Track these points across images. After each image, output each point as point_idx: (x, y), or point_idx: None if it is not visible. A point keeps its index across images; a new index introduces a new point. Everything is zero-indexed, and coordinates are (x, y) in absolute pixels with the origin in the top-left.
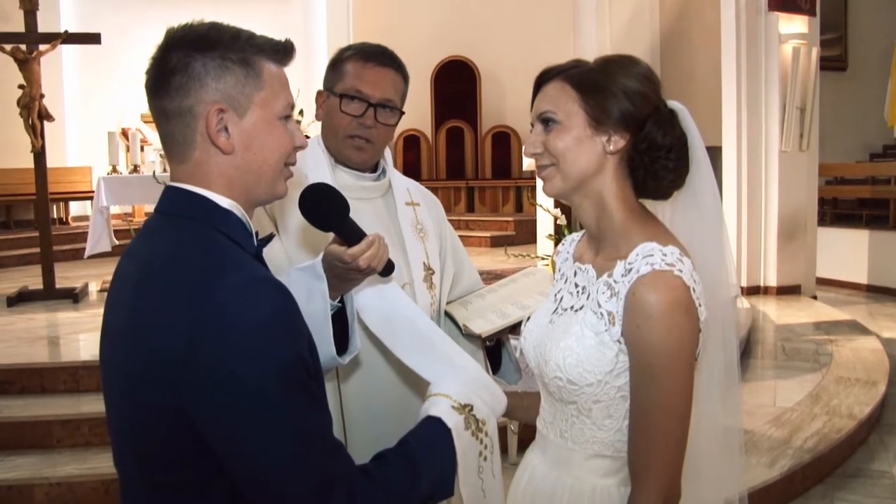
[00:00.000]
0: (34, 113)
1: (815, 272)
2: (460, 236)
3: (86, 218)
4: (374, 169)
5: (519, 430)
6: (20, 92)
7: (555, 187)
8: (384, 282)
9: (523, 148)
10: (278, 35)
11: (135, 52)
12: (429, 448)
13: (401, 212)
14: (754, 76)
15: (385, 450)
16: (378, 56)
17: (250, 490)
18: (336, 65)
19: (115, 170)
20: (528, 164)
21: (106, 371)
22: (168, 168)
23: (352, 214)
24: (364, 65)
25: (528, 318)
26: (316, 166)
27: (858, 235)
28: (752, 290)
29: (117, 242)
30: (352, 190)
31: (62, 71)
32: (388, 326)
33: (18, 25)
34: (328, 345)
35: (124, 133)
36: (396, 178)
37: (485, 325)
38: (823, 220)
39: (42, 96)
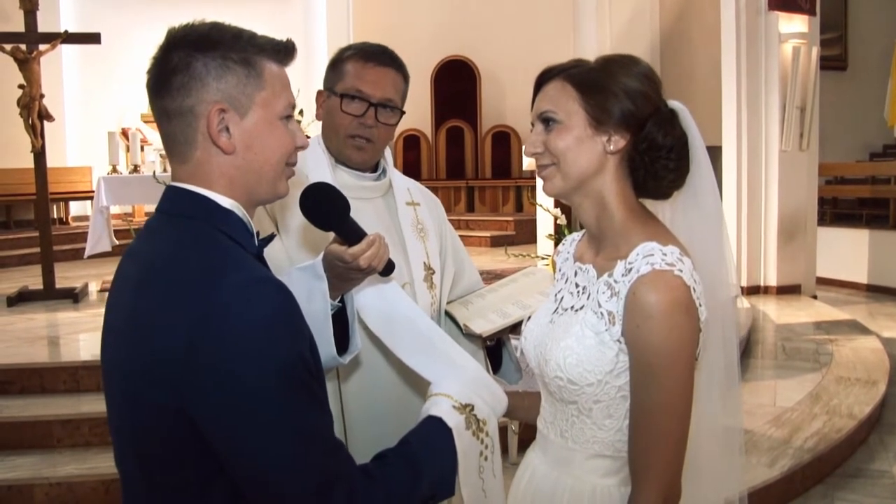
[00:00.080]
0: (34, 113)
1: (815, 272)
2: (460, 236)
3: (86, 218)
4: (374, 169)
5: (519, 430)
6: (20, 92)
7: (555, 187)
8: (384, 281)
9: (523, 147)
10: (278, 35)
11: (135, 52)
12: (430, 448)
13: (401, 211)
14: (754, 76)
15: (386, 450)
16: (378, 56)
17: (250, 490)
18: (336, 65)
19: (115, 170)
20: (528, 163)
21: (107, 371)
22: (168, 168)
23: (352, 214)
24: (364, 64)
25: (529, 317)
26: (316, 166)
27: (858, 235)
28: (753, 290)
29: (117, 242)
30: (352, 190)
31: (62, 71)
32: (389, 326)
33: (18, 25)
34: (329, 344)
35: (124, 133)
36: (397, 177)
37: (485, 325)
38: (823, 220)
39: (42, 96)
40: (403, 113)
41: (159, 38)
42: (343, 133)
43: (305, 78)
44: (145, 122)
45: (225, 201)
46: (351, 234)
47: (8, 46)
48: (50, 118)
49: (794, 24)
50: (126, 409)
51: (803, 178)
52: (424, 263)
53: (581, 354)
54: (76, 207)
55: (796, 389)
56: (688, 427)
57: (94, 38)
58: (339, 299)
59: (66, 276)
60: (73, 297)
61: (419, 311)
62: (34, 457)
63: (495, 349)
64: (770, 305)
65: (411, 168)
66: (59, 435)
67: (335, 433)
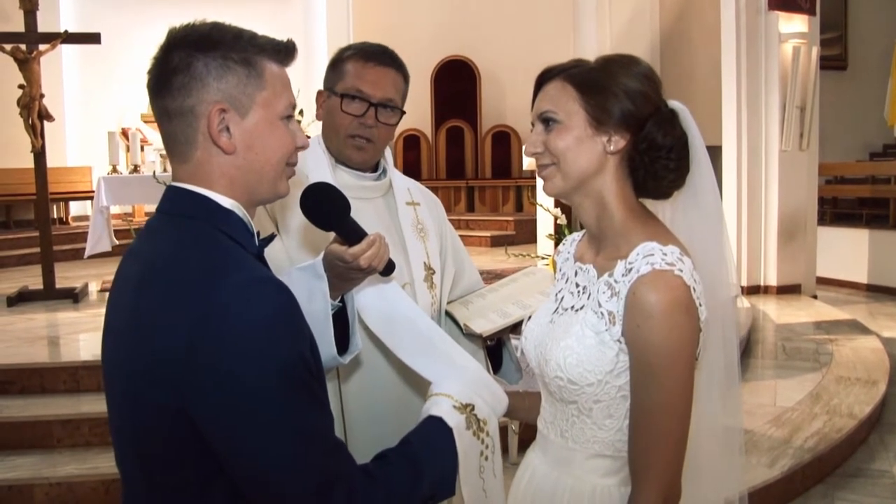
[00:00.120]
0: (34, 113)
1: (815, 271)
2: (460, 236)
3: (86, 218)
4: (374, 169)
5: (520, 430)
6: (20, 92)
7: (555, 187)
8: (385, 281)
9: (523, 147)
10: (279, 35)
11: (135, 52)
12: (430, 448)
13: (401, 211)
14: (754, 76)
15: (386, 449)
16: (378, 56)
17: (250, 490)
18: (336, 64)
19: (115, 170)
20: (528, 163)
21: (108, 371)
22: (168, 168)
23: (352, 214)
24: (365, 64)
25: (529, 317)
26: (316, 166)
27: (858, 235)
28: (753, 290)
29: (117, 242)
30: (352, 190)
31: (62, 71)
32: (389, 326)
33: (18, 25)
34: (329, 345)
35: (124, 133)
36: (397, 177)
37: (486, 325)
38: (823, 220)
39: (42, 96)
40: (404, 113)
41: (159, 38)
42: (343, 133)
43: (305, 78)
44: (145, 121)
45: (225, 201)
46: (351, 233)
47: (8, 46)
48: (50, 118)
49: (794, 24)
50: (126, 409)
51: (803, 178)
52: (425, 263)
53: (581, 354)
54: (76, 207)
55: (796, 389)
56: (688, 427)
57: (94, 38)
58: (339, 299)
59: (66, 276)
60: (74, 297)
61: (419, 311)
62: (34, 457)
63: (495, 349)
64: (770, 305)
65: (411, 168)
66: (59, 435)
67: (335, 433)
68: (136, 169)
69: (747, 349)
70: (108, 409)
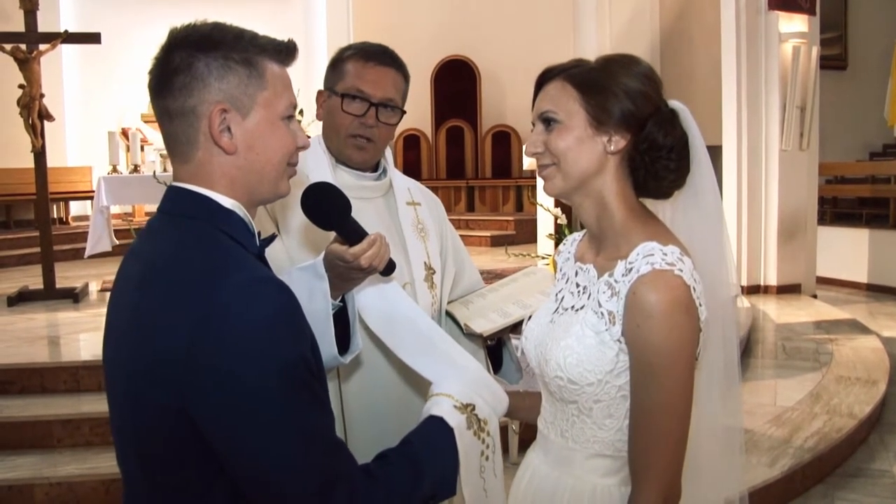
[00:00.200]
0: (34, 113)
1: (815, 271)
2: (460, 236)
3: (86, 218)
4: (374, 168)
5: (520, 430)
6: (20, 92)
7: (556, 187)
8: (385, 281)
9: (524, 147)
10: (278, 35)
11: (135, 52)
12: (431, 448)
13: (402, 211)
14: (754, 75)
15: (387, 449)
16: (379, 55)
17: (251, 490)
18: (337, 64)
19: (115, 169)
20: (528, 163)
21: (109, 371)
22: (168, 167)
23: (353, 214)
24: (365, 64)
25: (530, 317)
26: (317, 166)
27: (858, 234)
28: (753, 290)
29: (117, 242)
30: (353, 189)
31: (62, 71)
32: (390, 326)
33: (18, 25)
34: (330, 344)
35: (124, 133)
36: (397, 177)
37: (486, 325)
38: (823, 219)
39: (42, 96)
40: (404, 113)
41: (159, 38)
42: (344, 133)
43: (305, 78)
44: (145, 121)
45: (226, 201)
46: (352, 233)
47: (8, 46)
48: (50, 118)
49: (794, 24)
50: (127, 409)
51: (803, 178)
52: (425, 263)
53: (581, 354)
54: (76, 207)
55: (796, 389)
56: (688, 427)
57: (94, 38)
58: (339, 299)
59: (66, 275)
60: (74, 296)
61: (420, 310)
62: (34, 457)
63: (496, 349)
64: (770, 305)
65: (411, 168)
66: (60, 435)
67: (336, 433)
68: (136, 169)
69: (747, 349)
70: (110, 408)
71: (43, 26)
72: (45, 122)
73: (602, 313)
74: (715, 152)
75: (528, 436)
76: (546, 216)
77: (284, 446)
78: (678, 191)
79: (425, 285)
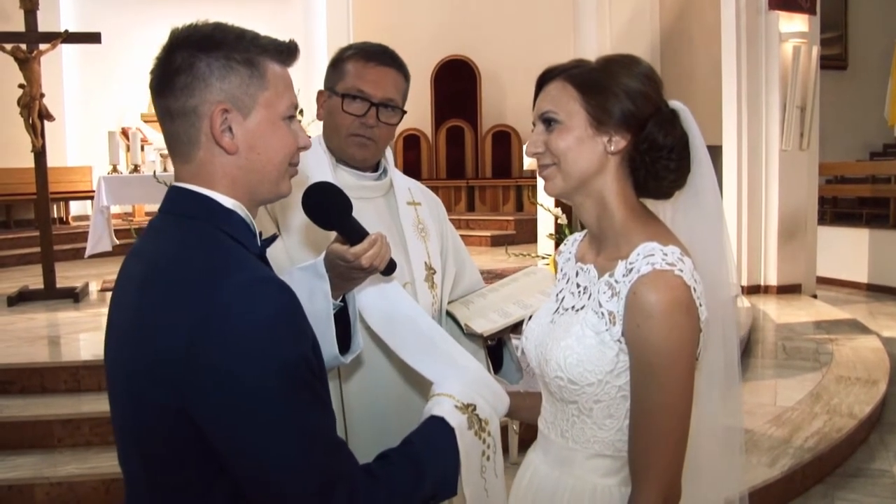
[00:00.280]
0: (34, 112)
1: (815, 271)
2: (461, 236)
3: (86, 217)
4: (375, 168)
5: (520, 430)
6: (20, 91)
7: (556, 187)
8: (386, 281)
9: (524, 147)
10: (278, 35)
11: (135, 52)
12: (432, 448)
13: (402, 211)
14: (755, 75)
15: (388, 449)
16: (379, 55)
17: (252, 490)
18: (337, 64)
19: (115, 169)
20: (528, 163)
21: (110, 370)
22: (168, 167)
23: (354, 214)
24: (365, 64)
25: (530, 317)
26: (317, 166)
27: (859, 234)
28: (753, 290)
29: (118, 242)
30: (353, 189)
31: (62, 70)
32: (390, 326)
33: (19, 25)
34: (331, 344)
35: (124, 132)
36: (398, 177)
37: (486, 325)
38: (824, 219)
39: (42, 96)
40: (405, 112)
41: (159, 38)
42: (344, 132)
43: (306, 78)
44: (145, 121)
45: (227, 201)
46: (353, 233)
47: (8, 46)
48: (50, 118)
49: (795, 24)
50: (129, 409)
51: (803, 178)
52: (425, 263)
53: (581, 354)
54: (76, 207)
55: (796, 389)
56: (688, 427)
57: (94, 38)
58: (340, 299)
59: (66, 275)
60: (74, 296)
61: (421, 310)
62: (35, 456)
63: (496, 349)
64: (770, 305)
65: (411, 168)
66: (60, 434)
67: (337, 433)
68: (136, 169)
69: (747, 349)
70: (111, 408)
71: (43, 26)
72: (46, 122)
73: (602, 313)
74: (715, 152)
75: (528, 436)
76: (546, 216)
77: (285, 446)
78: (678, 191)
79: (426, 285)
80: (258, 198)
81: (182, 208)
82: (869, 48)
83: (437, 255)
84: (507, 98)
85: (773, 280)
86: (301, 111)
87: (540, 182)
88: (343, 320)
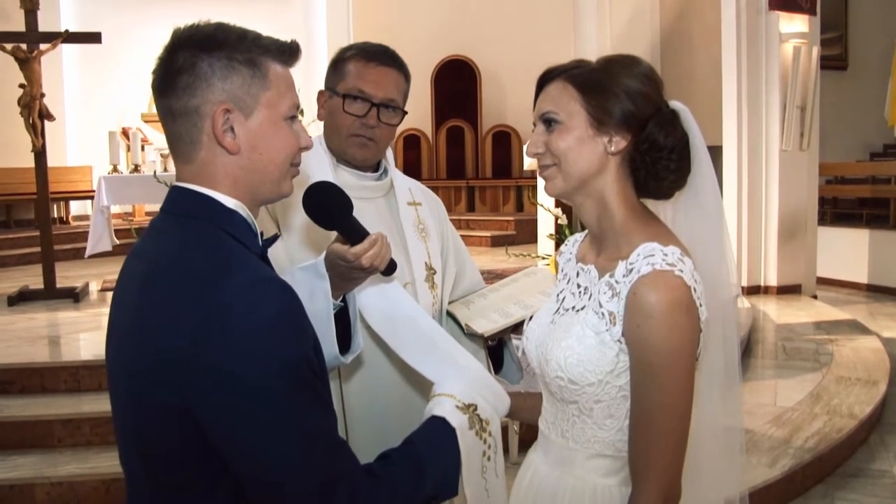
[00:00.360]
0: (35, 112)
1: (815, 272)
2: (461, 236)
3: (86, 217)
4: (375, 168)
5: (521, 431)
6: (21, 91)
7: (556, 187)
8: (386, 281)
9: (524, 147)
10: (279, 35)
11: (135, 52)
12: (433, 448)
13: (402, 211)
14: (755, 75)
15: (389, 449)
16: (380, 56)
17: (253, 489)
18: (338, 64)
19: (115, 169)
20: (528, 163)
21: (111, 370)
22: (169, 167)
23: (354, 214)
24: (366, 65)
25: (531, 317)
26: (318, 166)
27: (859, 235)
28: (753, 290)
29: (118, 242)
30: (354, 189)
31: (63, 70)
32: (391, 326)
33: (19, 25)
34: (331, 344)
35: (125, 132)
36: (398, 177)
37: (487, 325)
38: (824, 220)
39: (43, 95)
40: (406, 113)
41: (160, 38)
42: (345, 133)
43: (306, 78)
44: (146, 121)
45: (229, 201)
46: (353, 233)
47: (9, 46)
48: (50, 117)
49: (795, 24)
50: (130, 409)
51: (804, 178)
52: (426, 263)
53: (582, 354)
54: (77, 207)
55: (797, 389)
56: (688, 427)
57: (94, 38)
58: (340, 299)
59: (66, 275)
60: (74, 296)
61: (421, 310)
62: (35, 456)
63: (497, 349)
64: (770, 305)
65: (411, 168)
66: (60, 434)
67: (338, 433)
68: (136, 168)
69: (747, 349)
70: (112, 408)
71: (43, 26)
72: (46, 122)
73: (603, 314)
74: (715, 152)
75: (528, 436)
76: (546, 216)
77: (286, 446)
78: (679, 191)
79: (426, 285)
80: (260, 198)
81: (184, 208)
82: (869, 48)
83: (438, 255)
84: (507, 98)
85: (773, 280)
86: (301, 111)
87: (540, 182)
88: (343, 320)
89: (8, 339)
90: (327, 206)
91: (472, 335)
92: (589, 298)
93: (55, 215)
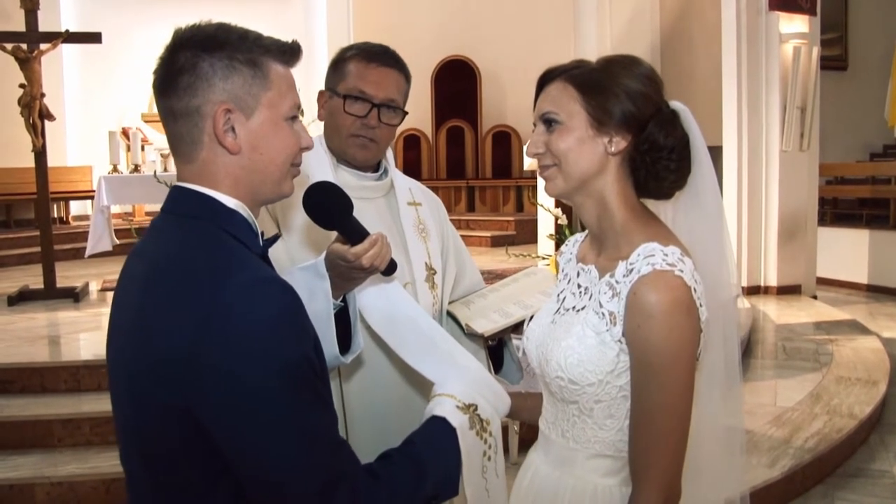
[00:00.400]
0: (35, 112)
1: (815, 272)
2: (461, 236)
3: (86, 217)
4: (375, 169)
5: (521, 431)
6: (21, 91)
7: (557, 187)
8: (386, 281)
9: (524, 147)
10: (278, 35)
11: (135, 52)
12: (434, 448)
13: (403, 211)
14: (755, 76)
15: (390, 449)
16: (381, 56)
17: (254, 489)
18: (338, 65)
19: (115, 169)
20: (528, 163)
21: (112, 370)
22: (169, 167)
23: (354, 214)
24: (367, 65)
25: (531, 317)
26: (318, 166)
27: (859, 235)
28: (753, 290)
29: (118, 242)
30: (354, 190)
31: (63, 70)
32: (391, 326)
33: (19, 24)
34: (331, 344)
35: (125, 132)
36: (398, 177)
37: (487, 325)
38: (824, 220)
39: (43, 95)
40: (406, 113)
41: (160, 38)
42: (346, 133)
43: (306, 78)
44: (146, 121)
45: (230, 201)
46: (353, 233)
47: (9, 46)
48: (51, 117)
49: (795, 25)
50: (131, 409)
51: (804, 179)
52: (426, 263)
53: (582, 354)
54: (77, 207)
55: (797, 389)
56: (688, 427)
57: (95, 38)
58: (341, 299)
59: (66, 275)
60: (74, 296)
61: (421, 310)
62: (35, 456)
63: (497, 349)
64: (770, 305)
65: (411, 168)
66: (60, 434)
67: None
68: (136, 168)
69: (747, 349)
70: (113, 408)
71: (44, 26)
72: (46, 122)
73: (603, 314)
74: (715, 153)
75: (528, 436)
76: (546, 216)
77: (287, 446)
78: (679, 191)
79: (426, 285)
80: (260, 198)
81: (184, 208)
82: (869, 49)
83: (438, 255)
84: (507, 98)
85: (773, 281)
86: (301, 111)
87: (540, 182)
88: (343, 320)
89: (8, 339)
90: (327, 207)
91: (472, 335)
92: (589, 298)
93: (55, 215)
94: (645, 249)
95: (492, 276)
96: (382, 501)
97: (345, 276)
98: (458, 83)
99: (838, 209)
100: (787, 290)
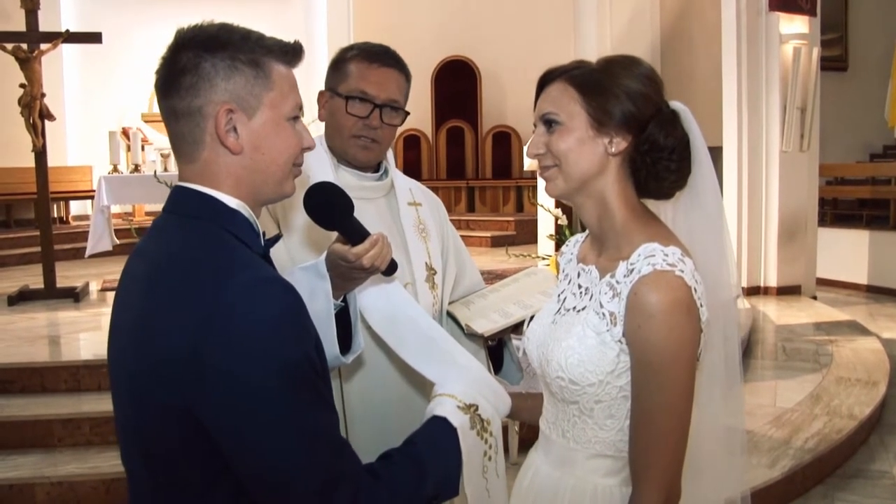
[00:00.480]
0: (35, 112)
1: (815, 272)
2: (461, 236)
3: (86, 217)
4: (376, 169)
5: (521, 431)
6: (21, 91)
7: (557, 188)
8: (387, 281)
9: (524, 148)
10: (279, 35)
11: (136, 52)
12: (434, 448)
13: (403, 212)
14: (755, 76)
15: (391, 449)
16: (382, 56)
17: (255, 489)
18: (339, 65)
19: (115, 169)
20: (528, 163)
21: (113, 370)
22: (169, 167)
23: (355, 214)
24: (368, 65)
25: (531, 317)
26: (319, 166)
27: (858, 236)
28: (753, 291)
29: (118, 242)
30: (354, 190)
31: (63, 70)
32: (392, 326)
33: (20, 24)
34: (332, 344)
35: (125, 132)
36: (399, 178)
37: (487, 325)
38: (824, 221)
39: (43, 95)
40: (408, 113)
41: (160, 38)
42: (347, 134)
43: (306, 78)
44: (146, 121)
45: (231, 201)
46: (354, 233)
47: (9, 45)
48: (51, 117)
49: (795, 25)
50: (132, 409)
51: (804, 179)
52: (426, 263)
53: (582, 354)
54: (77, 207)
55: (796, 390)
56: (688, 427)
57: (95, 38)
58: (341, 299)
59: (66, 275)
60: (74, 296)
61: (422, 310)
62: (35, 456)
63: (497, 349)
64: (770, 306)
65: (411, 168)
66: (60, 434)
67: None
68: (136, 168)
69: (747, 350)
70: (114, 407)
71: (44, 26)
72: (46, 122)
73: (603, 314)
74: (715, 153)
75: (528, 436)
76: (547, 217)
77: (287, 446)
78: (679, 191)
79: (426, 285)
80: (262, 198)
81: (186, 208)
82: (869, 49)
83: (438, 255)
84: (507, 98)
85: (773, 281)
86: (302, 111)
87: (540, 183)
88: (344, 320)
89: (8, 339)
90: (328, 207)
91: (472, 335)
92: (590, 299)
93: (55, 215)
94: (645, 250)
95: (492, 277)
96: (383, 501)
97: (345, 277)
98: (458, 83)
99: (838, 210)
100: (787, 291)
